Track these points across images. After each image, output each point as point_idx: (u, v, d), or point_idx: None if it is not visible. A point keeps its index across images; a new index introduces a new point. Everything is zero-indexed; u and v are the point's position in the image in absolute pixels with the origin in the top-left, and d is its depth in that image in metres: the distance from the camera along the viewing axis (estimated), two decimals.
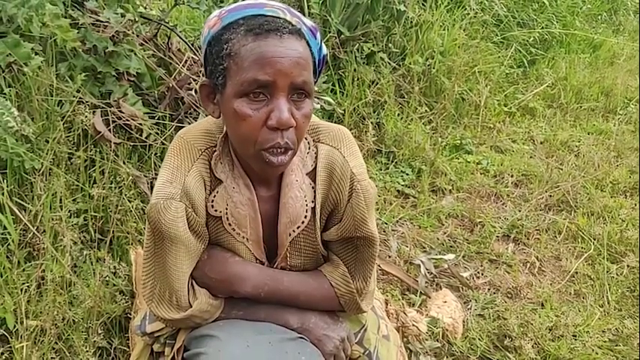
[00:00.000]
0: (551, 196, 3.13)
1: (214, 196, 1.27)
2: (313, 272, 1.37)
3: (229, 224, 1.28)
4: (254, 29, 1.11)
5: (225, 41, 1.13)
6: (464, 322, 2.23)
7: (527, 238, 2.81)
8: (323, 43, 1.27)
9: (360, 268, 1.36)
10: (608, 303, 2.42)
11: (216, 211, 1.27)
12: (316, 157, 1.30)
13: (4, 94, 1.91)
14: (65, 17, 2.05)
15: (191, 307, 1.27)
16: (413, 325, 2.03)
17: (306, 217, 1.30)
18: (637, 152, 3.69)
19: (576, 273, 2.60)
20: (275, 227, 1.30)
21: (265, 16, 1.13)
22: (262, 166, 1.18)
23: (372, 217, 1.33)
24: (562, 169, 3.41)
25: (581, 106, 4.30)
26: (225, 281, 1.29)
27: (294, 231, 1.30)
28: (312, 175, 1.30)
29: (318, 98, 2.98)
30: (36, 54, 1.92)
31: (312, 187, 1.30)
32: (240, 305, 1.33)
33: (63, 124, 2.01)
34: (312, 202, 1.30)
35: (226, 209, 1.27)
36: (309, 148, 1.30)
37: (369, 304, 1.42)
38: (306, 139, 1.30)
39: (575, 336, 2.24)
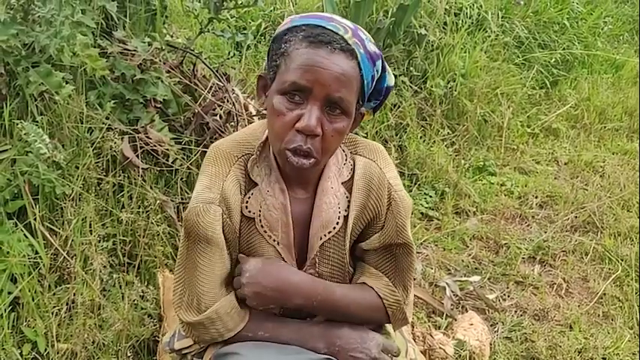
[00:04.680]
0: (576, 217, 3.10)
1: (249, 197, 1.30)
2: (358, 284, 1.38)
3: (262, 226, 1.30)
4: (309, 37, 1.16)
5: (285, 41, 1.20)
6: (491, 344, 2.21)
7: (554, 260, 2.78)
8: (389, 75, 1.30)
9: (400, 277, 1.37)
10: (638, 325, 2.38)
11: (250, 212, 1.30)
12: (353, 168, 1.34)
13: (37, 121, 1.96)
14: (94, 47, 2.10)
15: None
16: (440, 347, 2.02)
17: (337, 223, 1.33)
18: None
19: (604, 294, 2.57)
20: (307, 231, 1.32)
21: (325, 28, 1.17)
22: (284, 164, 1.23)
23: (409, 226, 1.36)
24: (587, 190, 3.38)
25: (604, 127, 4.27)
26: (278, 290, 1.29)
27: (325, 235, 1.32)
28: (348, 185, 1.33)
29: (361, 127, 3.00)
30: (67, 83, 1.96)
31: (347, 197, 1.33)
32: (266, 326, 1.34)
33: (92, 150, 2.05)
34: (345, 210, 1.33)
35: (259, 211, 1.30)
36: (346, 160, 1.34)
37: (411, 314, 1.44)
38: (343, 150, 1.35)
39: (605, 358, 2.21)
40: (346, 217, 1.33)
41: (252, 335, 1.33)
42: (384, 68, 1.26)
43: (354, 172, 1.33)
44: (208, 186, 1.27)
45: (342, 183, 1.33)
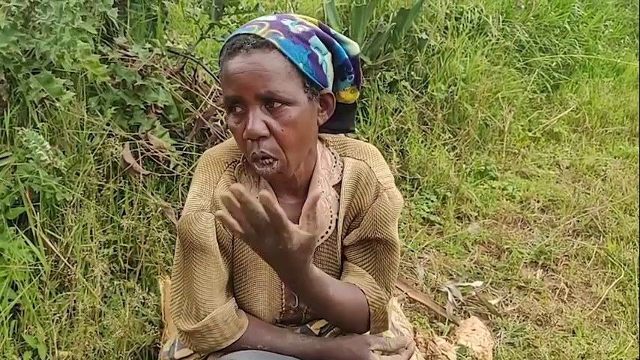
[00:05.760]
0: (578, 221, 3.09)
1: None
2: (344, 282, 1.35)
3: None
4: (227, 50, 1.17)
5: (219, 65, 1.21)
6: (493, 350, 2.20)
7: (556, 264, 2.77)
8: (349, 44, 1.27)
9: (381, 276, 1.35)
10: None
11: None
12: (342, 171, 1.33)
13: (37, 128, 1.95)
14: (95, 53, 2.10)
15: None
16: (442, 354, 2.01)
17: (330, 227, 1.32)
18: None
19: (607, 299, 2.56)
20: None
21: (239, 35, 1.17)
22: (260, 175, 1.23)
23: (394, 225, 1.33)
24: (589, 194, 3.37)
25: (606, 130, 4.27)
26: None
27: (318, 240, 1.30)
28: (339, 187, 1.33)
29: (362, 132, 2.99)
30: (67, 89, 1.96)
31: (338, 200, 1.32)
32: (265, 340, 1.32)
33: (93, 156, 2.05)
34: (337, 214, 1.32)
35: None
36: (336, 162, 1.34)
37: (389, 321, 1.41)
38: (332, 153, 1.34)
39: None
40: (337, 220, 1.33)
41: (250, 348, 1.32)
42: (331, 42, 1.23)
43: (343, 174, 1.33)
44: (199, 193, 1.27)
45: (333, 186, 1.32)
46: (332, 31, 1.25)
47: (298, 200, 1.31)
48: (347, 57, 1.27)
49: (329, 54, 1.23)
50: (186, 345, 1.35)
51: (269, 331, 1.33)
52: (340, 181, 1.32)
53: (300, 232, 1.08)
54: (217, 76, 1.25)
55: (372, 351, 1.32)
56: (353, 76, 1.31)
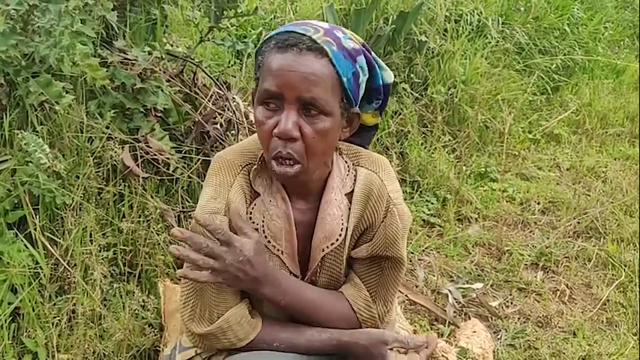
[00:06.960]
0: (579, 222, 3.09)
1: (252, 207, 1.30)
2: (335, 292, 1.38)
3: (265, 236, 1.30)
4: (278, 43, 1.17)
5: (261, 54, 1.21)
6: (494, 352, 2.20)
7: (557, 266, 2.77)
8: (386, 71, 1.29)
9: (382, 291, 1.36)
10: None
11: (253, 222, 1.30)
12: (355, 180, 1.33)
13: (37, 131, 1.96)
14: (95, 56, 2.10)
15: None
16: (442, 356, 2.00)
17: (340, 235, 1.32)
18: None
19: (608, 301, 2.55)
20: (309, 241, 1.32)
21: (293, 32, 1.18)
22: (274, 175, 1.23)
23: (403, 242, 1.35)
24: (589, 196, 3.37)
25: (606, 132, 4.26)
26: (256, 281, 1.24)
27: (327, 247, 1.32)
28: (351, 196, 1.33)
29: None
30: (67, 92, 1.96)
31: (349, 208, 1.33)
32: (281, 337, 1.32)
33: (93, 159, 2.04)
34: (348, 222, 1.33)
35: (263, 221, 1.30)
36: (349, 171, 1.34)
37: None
38: (346, 162, 1.35)
39: None
40: (347, 229, 1.33)
41: (267, 347, 1.32)
42: (373, 65, 1.25)
43: (355, 183, 1.33)
44: (213, 196, 1.27)
45: (345, 195, 1.33)
46: (372, 54, 1.27)
47: (309, 205, 1.32)
48: (381, 83, 1.29)
49: (367, 76, 1.25)
50: (199, 345, 1.34)
51: (284, 329, 1.33)
52: (352, 190, 1.33)
53: (246, 240, 1.20)
54: (257, 66, 1.23)
55: (390, 349, 1.33)
56: (380, 102, 1.34)
